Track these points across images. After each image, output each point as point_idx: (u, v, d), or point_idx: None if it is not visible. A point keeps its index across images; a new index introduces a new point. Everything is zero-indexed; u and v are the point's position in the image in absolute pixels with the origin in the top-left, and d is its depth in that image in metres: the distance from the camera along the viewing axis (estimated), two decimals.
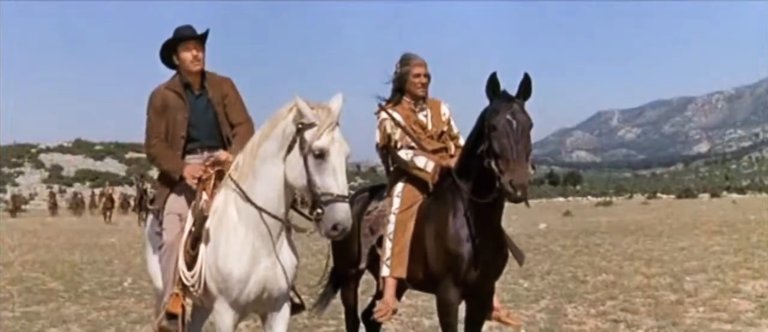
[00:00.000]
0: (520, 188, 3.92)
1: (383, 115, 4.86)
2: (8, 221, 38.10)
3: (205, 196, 4.20)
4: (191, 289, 4.13)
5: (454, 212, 4.46)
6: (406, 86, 4.89)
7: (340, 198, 3.64)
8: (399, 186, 4.81)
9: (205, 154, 4.50)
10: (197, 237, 4.09)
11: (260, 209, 3.94)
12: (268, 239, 3.99)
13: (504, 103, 4.16)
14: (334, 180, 3.66)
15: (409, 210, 4.71)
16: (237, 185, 4.04)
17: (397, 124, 4.81)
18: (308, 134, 3.71)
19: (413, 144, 4.82)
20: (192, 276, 4.09)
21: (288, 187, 3.88)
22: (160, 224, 4.51)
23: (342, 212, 3.61)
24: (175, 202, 4.43)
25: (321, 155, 3.67)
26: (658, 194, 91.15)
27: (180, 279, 4.15)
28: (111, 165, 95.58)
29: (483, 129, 4.21)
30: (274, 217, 3.95)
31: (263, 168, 3.93)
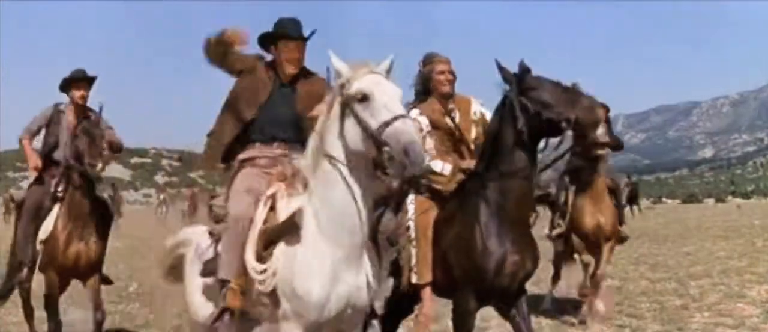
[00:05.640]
0: None
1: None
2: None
3: (279, 206, 3.71)
4: (259, 285, 3.61)
5: (479, 217, 4.27)
6: (431, 85, 4.78)
7: (398, 117, 3.22)
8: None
9: (278, 150, 4.08)
10: (272, 241, 3.64)
11: (341, 217, 3.49)
12: (350, 252, 3.54)
13: None
14: (388, 110, 3.25)
15: (426, 214, 4.57)
16: (314, 192, 3.59)
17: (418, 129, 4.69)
18: (348, 89, 3.38)
19: (430, 149, 4.66)
20: (262, 271, 3.59)
21: (367, 189, 3.48)
22: (216, 219, 4.09)
23: (406, 125, 3.20)
24: (243, 181, 3.95)
25: (365, 98, 3.31)
26: (663, 199, 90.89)
27: (244, 270, 3.65)
28: (115, 170, 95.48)
29: None
30: (356, 226, 3.50)
31: (334, 170, 3.50)
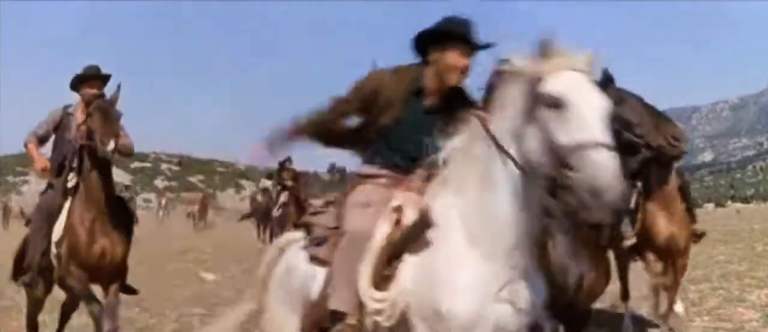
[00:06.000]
0: None
1: None
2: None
3: (406, 217, 3.12)
4: (377, 317, 3.01)
5: (552, 233, 3.90)
6: None
7: (598, 146, 2.51)
8: None
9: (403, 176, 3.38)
10: (395, 255, 3.06)
11: (500, 227, 2.91)
12: (505, 269, 2.93)
13: None
14: (586, 129, 2.55)
15: None
16: (465, 192, 3.01)
17: None
18: (540, 86, 2.71)
19: None
20: (383, 300, 2.99)
21: (536, 200, 2.86)
22: (317, 242, 3.41)
23: (607, 159, 2.48)
24: (362, 195, 3.35)
25: (558, 104, 2.62)
26: None
27: (359, 303, 3.05)
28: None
29: None
30: (516, 240, 2.92)
31: (501, 169, 2.91)
